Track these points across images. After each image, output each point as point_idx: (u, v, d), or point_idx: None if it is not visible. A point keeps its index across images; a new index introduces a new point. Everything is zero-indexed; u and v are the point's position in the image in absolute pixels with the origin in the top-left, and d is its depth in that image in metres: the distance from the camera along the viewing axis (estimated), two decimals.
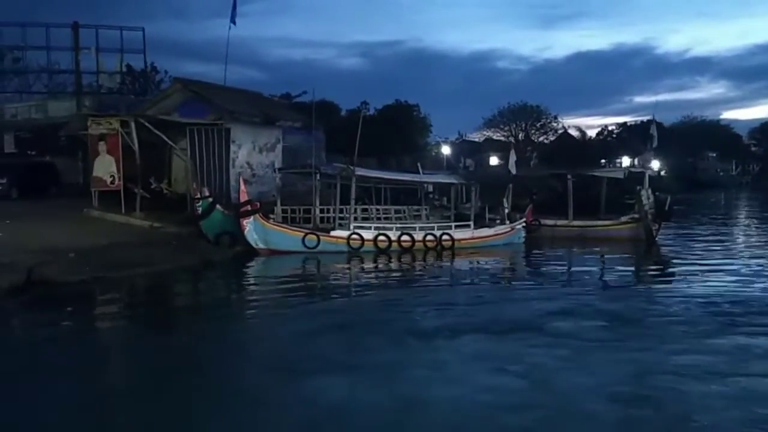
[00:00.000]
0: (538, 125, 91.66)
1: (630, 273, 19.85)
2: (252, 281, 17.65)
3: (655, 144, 25.45)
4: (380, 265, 19.81)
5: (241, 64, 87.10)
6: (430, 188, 29.79)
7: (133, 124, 21.63)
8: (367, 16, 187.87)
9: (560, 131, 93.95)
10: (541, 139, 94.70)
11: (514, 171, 24.08)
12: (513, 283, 18.32)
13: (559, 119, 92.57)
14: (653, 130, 25.43)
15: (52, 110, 33.51)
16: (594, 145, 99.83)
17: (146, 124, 21.84)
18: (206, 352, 10.52)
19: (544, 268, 20.47)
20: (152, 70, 50.71)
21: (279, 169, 24.05)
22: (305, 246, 20.47)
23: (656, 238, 24.21)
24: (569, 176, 25.57)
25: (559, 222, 25.85)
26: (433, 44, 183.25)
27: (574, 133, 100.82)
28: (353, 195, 21.57)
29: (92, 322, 12.71)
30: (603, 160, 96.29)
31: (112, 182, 22.23)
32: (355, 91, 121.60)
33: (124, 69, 43.66)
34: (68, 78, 40.13)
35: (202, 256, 18.51)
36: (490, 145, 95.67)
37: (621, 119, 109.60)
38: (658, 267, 21.09)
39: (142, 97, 36.88)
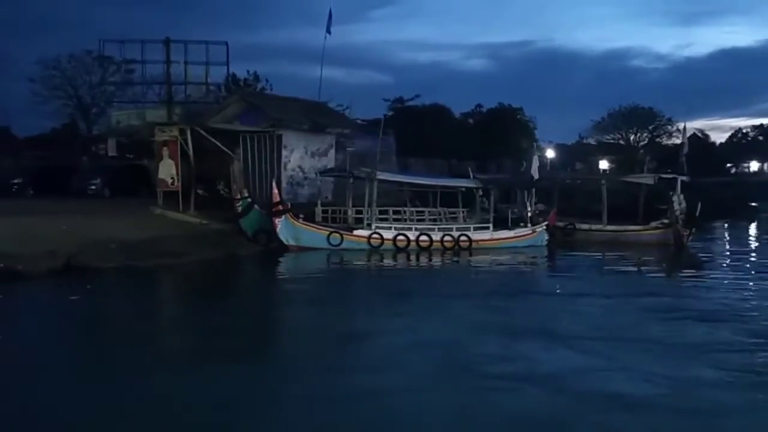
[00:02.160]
0: (650, 128, 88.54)
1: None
2: (258, 271, 20.00)
3: (686, 150, 25.40)
4: (385, 261, 21.75)
5: (370, 67, 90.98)
6: (480, 192, 30.87)
7: (188, 132, 24.54)
8: (497, 18, 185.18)
9: (675, 134, 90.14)
10: (666, 142, 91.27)
11: (536, 176, 24.89)
12: (482, 270, 20.41)
13: (674, 122, 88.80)
14: (684, 138, 25.39)
15: (149, 118, 37.46)
16: (721, 148, 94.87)
17: (201, 132, 24.68)
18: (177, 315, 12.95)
19: (533, 264, 22.22)
20: (254, 79, 54.81)
21: (321, 173, 26.17)
22: (330, 243, 22.46)
23: (687, 244, 24.23)
24: (603, 182, 26.03)
25: (594, 226, 26.40)
26: (564, 44, 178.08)
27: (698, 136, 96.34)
28: (374, 196, 23.33)
29: (99, 296, 15.38)
30: (729, 165, 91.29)
31: (172, 183, 25.24)
32: (480, 93, 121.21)
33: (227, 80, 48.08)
34: (175, 88, 44.46)
35: (228, 250, 20.97)
36: (602, 149, 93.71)
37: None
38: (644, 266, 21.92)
39: None
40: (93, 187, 31.41)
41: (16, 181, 31.60)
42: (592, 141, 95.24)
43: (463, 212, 27.49)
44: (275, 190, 22.79)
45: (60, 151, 40.20)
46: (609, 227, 26.16)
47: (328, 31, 39.50)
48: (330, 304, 15.09)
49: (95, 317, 13.27)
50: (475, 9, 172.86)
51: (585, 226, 26.51)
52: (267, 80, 53.91)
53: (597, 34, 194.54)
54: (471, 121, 74.28)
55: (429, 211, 26.79)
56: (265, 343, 11.68)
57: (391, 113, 68.85)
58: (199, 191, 26.24)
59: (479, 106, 75.03)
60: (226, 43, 38.30)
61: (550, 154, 75.60)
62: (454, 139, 61.72)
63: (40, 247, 17.83)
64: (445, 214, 26.87)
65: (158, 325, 13.09)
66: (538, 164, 25.37)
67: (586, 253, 23.51)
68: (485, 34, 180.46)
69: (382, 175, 23.35)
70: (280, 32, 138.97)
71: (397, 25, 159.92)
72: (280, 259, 21.53)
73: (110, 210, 24.68)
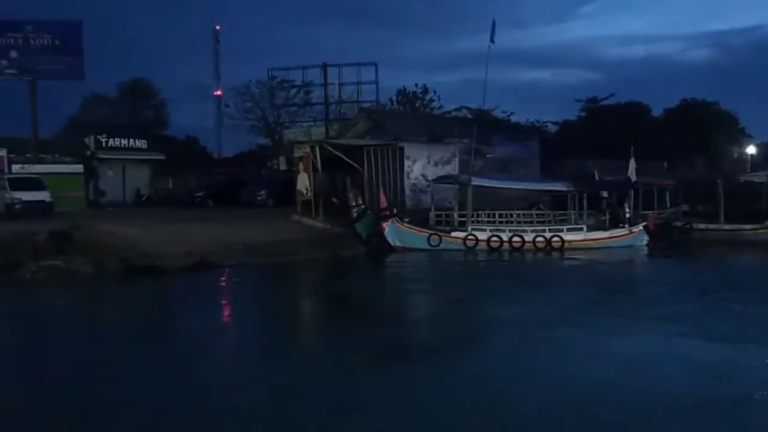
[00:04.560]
0: None
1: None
2: (353, 268, 22.92)
3: None
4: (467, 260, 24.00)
5: (578, 66, 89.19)
6: (605, 194, 31.12)
7: (317, 149, 28.18)
8: (723, 2, 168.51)
9: None
10: None
11: (634, 178, 25.09)
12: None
13: None
14: None
15: (314, 135, 42.22)
16: None
17: (329, 147, 28.21)
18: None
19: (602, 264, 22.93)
20: (423, 91, 58.20)
21: (434, 180, 28.43)
22: (430, 244, 24.77)
23: None
24: (719, 181, 25.60)
25: (710, 225, 25.95)
26: None
27: None
28: (470, 200, 25.18)
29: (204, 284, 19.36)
30: None
31: (306, 193, 29.01)
32: (696, 86, 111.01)
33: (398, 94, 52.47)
34: (347, 107, 49.18)
35: (335, 251, 24.09)
36: None
37: None
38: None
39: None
40: (259, 198, 36.32)
41: (198, 194, 37.57)
42: None
43: (574, 213, 28.10)
44: (382, 197, 25.56)
45: (243, 167, 46.39)
46: (725, 226, 25.60)
47: (492, 41, 41.53)
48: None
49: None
50: None
51: (701, 226, 26.17)
52: (435, 92, 56.94)
53: None
54: (668, 118, 71.05)
55: (536, 213, 27.90)
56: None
57: (583, 114, 68.50)
58: (334, 200, 29.82)
59: (684, 100, 71.69)
60: (375, 64, 42.31)
61: (751, 150, 70.16)
62: (645, 137, 59.96)
63: (182, 249, 22.26)
64: (554, 216, 27.78)
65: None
66: (634, 167, 25.59)
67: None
68: (709, 22, 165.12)
69: (477, 181, 25.19)
70: (476, 38, 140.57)
71: (608, 19, 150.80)
72: (383, 258, 24.34)
73: (261, 217, 28.91)
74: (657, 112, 65.13)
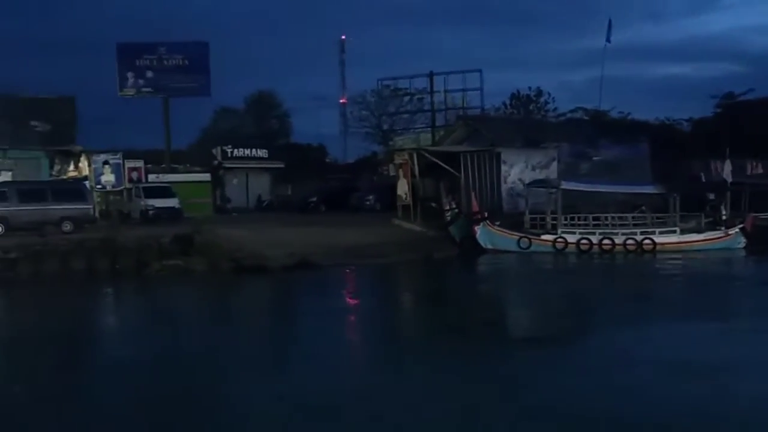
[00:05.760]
0: None
1: None
2: (437, 270, 24.06)
3: None
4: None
5: (720, 59, 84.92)
6: (712, 196, 30.39)
7: (414, 155, 29.59)
8: None
9: None
10: None
11: (730, 179, 24.55)
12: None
13: None
14: None
15: (422, 141, 43.67)
16: None
17: (425, 154, 29.55)
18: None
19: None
20: (537, 95, 58.10)
21: (527, 185, 29.01)
22: (520, 247, 25.50)
23: None
24: None
25: None
26: None
27: None
28: (560, 203, 25.62)
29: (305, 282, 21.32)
30: None
31: (405, 198, 30.47)
32: None
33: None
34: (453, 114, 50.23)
35: (426, 253, 25.35)
36: None
37: None
38: None
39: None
40: (367, 203, 38.10)
41: (312, 199, 39.97)
42: None
43: (674, 216, 27.67)
44: (474, 201, 26.58)
45: (357, 173, 48.53)
46: None
47: (608, 40, 41.73)
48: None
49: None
50: None
51: None
52: (549, 93, 56.61)
53: None
54: None
55: (633, 216, 27.76)
56: None
57: (718, 110, 65.46)
58: (433, 204, 31.08)
59: None
60: (480, 71, 43.19)
61: None
62: None
63: (287, 250, 24.36)
64: (651, 218, 27.56)
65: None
66: (730, 168, 25.05)
67: None
68: None
69: (566, 185, 25.64)
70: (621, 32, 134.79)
71: (755, 7, 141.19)
72: (474, 259, 25.38)
73: (366, 221, 30.57)
74: None
